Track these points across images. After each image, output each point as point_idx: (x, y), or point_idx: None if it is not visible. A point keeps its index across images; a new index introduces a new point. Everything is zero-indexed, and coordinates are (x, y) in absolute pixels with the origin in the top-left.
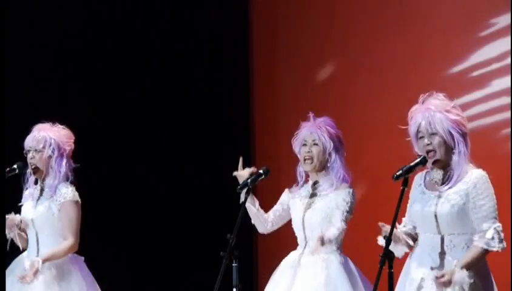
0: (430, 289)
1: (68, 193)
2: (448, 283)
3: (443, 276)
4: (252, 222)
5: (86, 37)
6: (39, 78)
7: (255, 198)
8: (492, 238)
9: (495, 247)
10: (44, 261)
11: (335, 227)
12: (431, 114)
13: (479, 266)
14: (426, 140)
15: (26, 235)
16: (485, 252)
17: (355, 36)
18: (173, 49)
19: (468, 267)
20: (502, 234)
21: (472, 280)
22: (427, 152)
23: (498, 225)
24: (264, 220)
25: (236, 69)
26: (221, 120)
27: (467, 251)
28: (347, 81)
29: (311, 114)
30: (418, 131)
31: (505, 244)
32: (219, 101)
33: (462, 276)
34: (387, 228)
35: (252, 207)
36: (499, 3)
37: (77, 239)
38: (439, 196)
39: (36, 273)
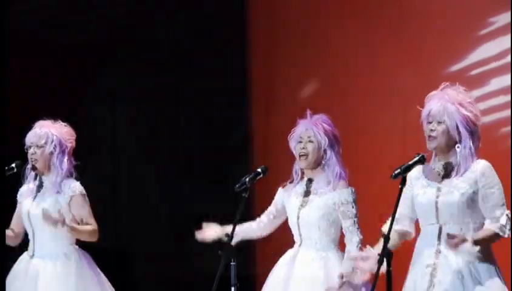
0: (442, 277)
1: (77, 186)
2: (455, 246)
3: (454, 237)
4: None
5: (85, 34)
6: (40, 76)
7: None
8: (505, 225)
9: (506, 233)
10: (70, 227)
11: (354, 244)
12: (444, 103)
13: (486, 254)
14: (432, 126)
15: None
16: (496, 236)
17: (355, 35)
18: (173, 49)
19: (479, 243)
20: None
21: (476, 256)
22: (429, 136)
23: (508, 212)
24: (252, 232)
25: (236, 69)
26: (222, 120)
27: (481, 230)
28: (347, 80)
29: (308, 112)
30: (428, 115)
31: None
32: (220, 101)
33: (469, 249)
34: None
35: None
36: (499, 2)
37: (97, 227)
38: (444, 187)
39: (63, 221)
